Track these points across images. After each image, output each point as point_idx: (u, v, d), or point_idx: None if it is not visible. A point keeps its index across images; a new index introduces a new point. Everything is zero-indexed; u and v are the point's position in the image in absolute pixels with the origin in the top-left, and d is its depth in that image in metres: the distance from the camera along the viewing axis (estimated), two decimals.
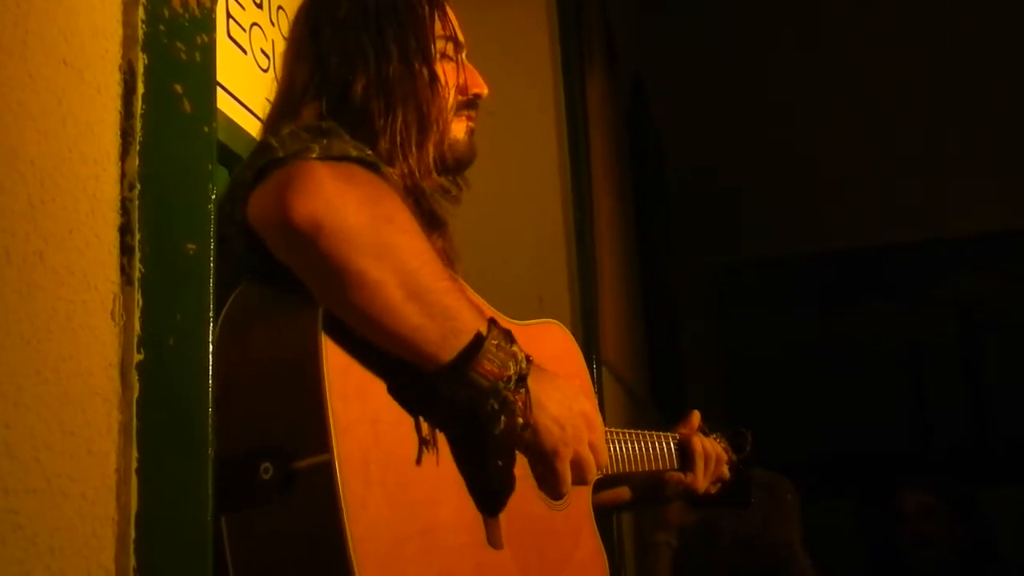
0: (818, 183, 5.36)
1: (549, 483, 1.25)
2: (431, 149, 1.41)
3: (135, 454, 0.88)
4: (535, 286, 2.75)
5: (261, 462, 1.04)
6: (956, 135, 5.21)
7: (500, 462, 1.25)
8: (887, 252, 5.55)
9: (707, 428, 1.93)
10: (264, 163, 1.13)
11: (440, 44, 1.48)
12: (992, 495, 4.01)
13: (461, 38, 1.52)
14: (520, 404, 1.17)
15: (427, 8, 1.47)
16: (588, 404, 1.28)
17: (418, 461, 1.14)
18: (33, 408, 0.80)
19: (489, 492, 1.25)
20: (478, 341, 1.13)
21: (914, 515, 3.51)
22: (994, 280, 5.41)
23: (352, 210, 1.07)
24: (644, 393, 4.14)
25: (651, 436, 1.76)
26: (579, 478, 1.26)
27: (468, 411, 1.18)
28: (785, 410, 1.92)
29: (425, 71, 1.43)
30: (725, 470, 1.89)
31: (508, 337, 1.18)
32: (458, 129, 1.49)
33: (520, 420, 1.18)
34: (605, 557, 1.55)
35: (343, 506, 1.01)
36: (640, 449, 1.70)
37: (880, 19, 5.33)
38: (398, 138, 1.38)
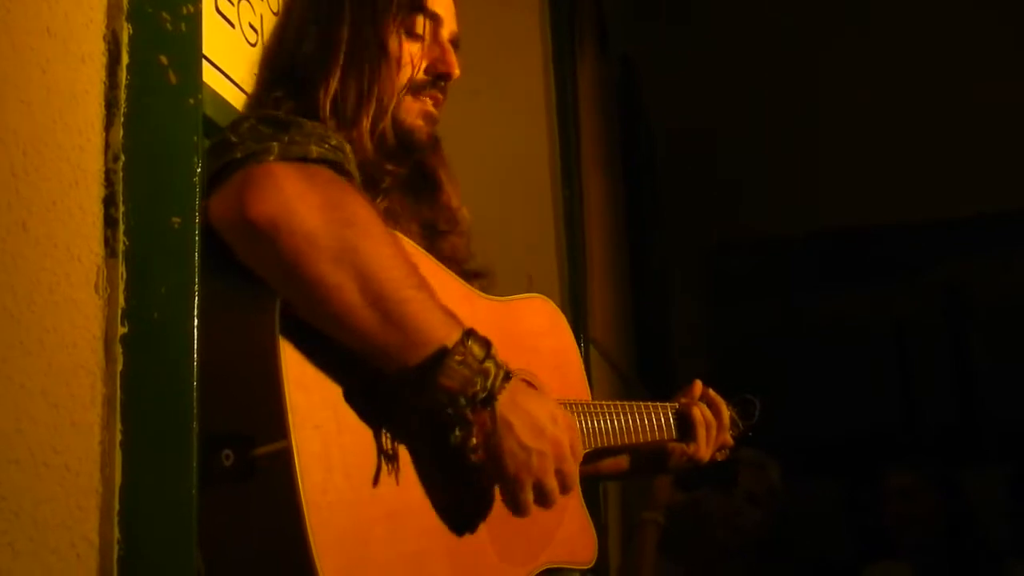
0: (809, 164, 5.36)
1: (507, 505, 1.22)
2: (365, 123, 1.35)
3: (119, 427, 0.87)
4: (525, 264, 2.74)
5: (223, 448, 1.04)
6: (946, 117, 5.21)
7: (463, 476, 1.22)
8: (875, 233, 5.55)
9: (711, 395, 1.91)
10: (221, 165, 1.11)
11: (409, 17, 1.41)
12: (977, 475, 4.04)
13: (442, 14, 1.46)
14: (477, 425, 1.14)
15: None
16: (564, 432, 1.22)
17: (377, 442, 1.13)
18: (16, 379, 0.79)
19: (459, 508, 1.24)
20: (439, 356, 1.10)
21: (897, 495, 3.54)
22: (981, 262, 5.42)
23: (311, 214, 1.06)
24: (633, 372, 4.15)
25: (647, 407, 1.74)
26: (541, 505, 1.22)
27: (426, 420, 1.16)
28: (772, 390, 1.94)
29: (374, 43, 1.37)
30: (728, 436, 1.85)
31: (484, 350, 1.13)
32: (410, 110, 1.42)
33: (473, 441, 1.14)
34: (593, 533, 1.55)
35: (301, 492, 1.01)
36: (634, 421, 1.68)
37: (871, 7, 5.32)
38: (330, 106, 1.33)
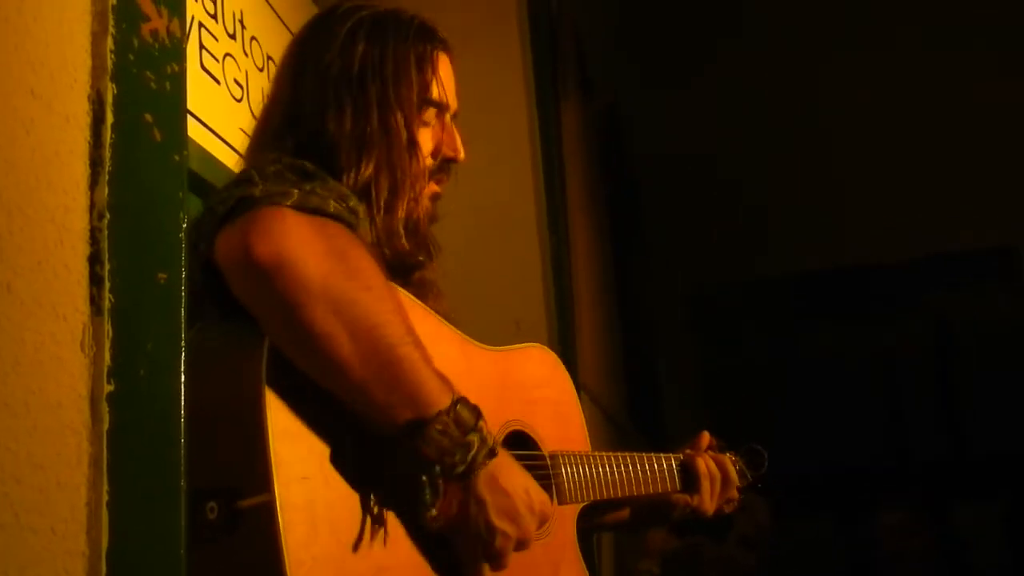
0: (794, 206, 5.41)
1: (463, 561, 1.21)
2: (401, 214, 1.37)
3: (106, 487, 0.86)
4: (512, 311, 2.75)
5: (207, 501, 1.03)
6: (934, 156, 5.27)
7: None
8: (863, 271, 5.60)
9: (722, 446, 1.90)
10: (236, 201, 1.12)
11: (423, 108, 1.43)
12: (968, 510, 4.03)
13: (450, 100, 1.48)
14: (446, 497, 1.13)
15: (416, 67, 1.43)
16: (535, 518, 1.21)
17: (365, 497, 1.12)
18: (1, 440, 0.78)
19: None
20: (420, 424, 1.10)
21: (891, 532, 3.53)
22: (969, 297, 5.46)
23: (315, 260, 1.06)
24: (624, 417, 4.13)
25: (650, 458, 1.73)
26: (491, 563, 1.21)
27: (404, 478, 1.15)
28: (763, 430, 1.94)
29: (404, 135, 1.39)
30: (735, 492, 1.84)
31: (472, 418, 1.13)
32: (425, 195, 1.44)
33: (433, 512, 1.13)
34: None
35: (284, 546, 1.00)
36: (636, 472, 1.67)
37: (862, 46, 5.39)
38: (367, 196, 1.34)
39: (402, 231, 1.37)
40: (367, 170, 1.35)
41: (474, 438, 1.13)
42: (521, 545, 1.21)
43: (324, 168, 1.32)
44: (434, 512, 1.13)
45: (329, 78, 1.39)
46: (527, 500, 1.20)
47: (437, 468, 1.11)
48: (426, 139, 1.45)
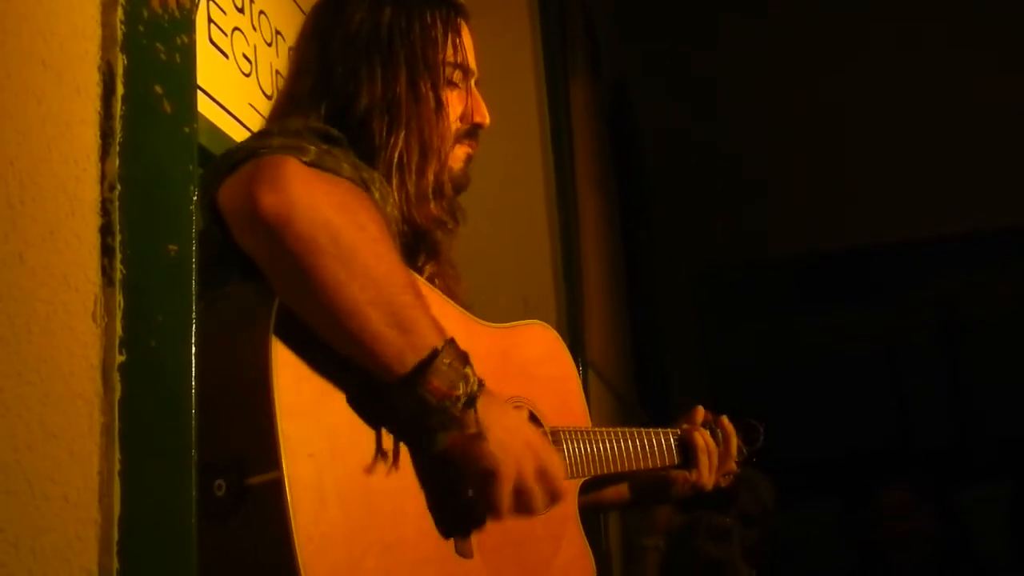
0: (800, 186, 5.39)
1: (483, 507, 1.22)
2: (431, 176, 1.39)
3: (118, 456, 0.87)
4: (520, 288, 2.75)
5: (215, 478, 1.03)
6: (936, 136, 5.24)
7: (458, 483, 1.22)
8: (867, 253, 5.58)
9: (715, 420, 1.91)
10: (253, 149, 1.12)
11: (449, 70, 1.45)
12: (971, 493, 4.03)
13: (472, 65, 1.50)
14: (463, 424, 1.16)
15: (442, 31, 1.45)
16: (536, 436, 1.25)
17: (372, 471, 1.13)
18: (14, 409, 0.79)
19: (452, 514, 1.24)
20: (431, 357, 1.12)
21: (892, 514, 3.53)
22: (973, 280, 5.44)
23: (323, 210, 1.07)
24: (630, 394, 4.14)
25: (648, 433, 1.74)
26: (524, 507, 1.22)
27: (413, 425, 1.16)
28: (767, 411, 1.94)
29: (432, 97, 1.41)
30: (733, 464, 1.86)
31: (462, 359, 1.16)
32: (456, 156, 1.47)
33: (472, 430, 1.16)
34: (591, 559, 1.53)
35: (292, 523, 1.01)
36: (634, 447, 1.68)
37: (864, 22, 5.36)
38: (396, 160, 1.36)
39: (431, 195, 1.39)
40: (399, 133, 1.36)
41: (469, 371, 1.16)
42: (541, 462, 1.22)
43: (355, 133, 1.34)
44: (474, 430, 1.16)
45: (359, 43, 1.40)
46: (518, 415, 1.27)
47: (447, 402, 1.13)
48: (455, 102, 1.46)
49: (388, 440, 1.16)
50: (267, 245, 1.07)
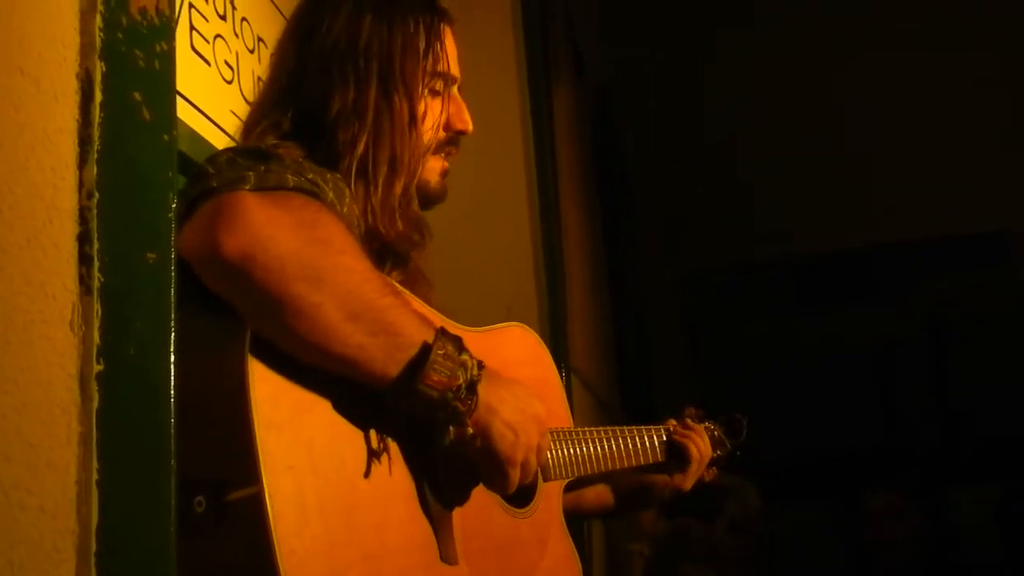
0: (787, 187, 5.41)
1: (497, 485, 1.26)
2: (398, 190, 1.38)
3: (95, 466, 0.86)
4: (504, 295, 2.75)
5: (195, 495, 1.03)
6: (928, 139, 5.27)
7: (453, 471, 1.24)
8: (857, 255, 5.60)
9: (701, 415, 1.92)
10: (196, 194, 1.11)
11: (429, 79, 1.43)
12: (960, 495, 4.05)
13: (455, 72, 1.48)
14: (470, 413, 1.17)
15: (424, 40, 1.43)
16: (540, 407, 1.28)
17: (353, 482, 1.13)
18: None
19: (446, 498, 1.26)
20: (424, 353, 1.12)
21: (879, 516, 3.54)
22: (963, 282, 5.47)
23: (284, 237, 1.06)
24: (614, 400, 4.14)
25: (631, 431, 1.75)
26: (523, 480, 1.26)
27: (419, 424, 1.17)
28: (755, 413, 1.95)
29: (406, 109, 1.39)
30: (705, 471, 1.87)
31: (457, 345, 1.17)
32: (432, 169, 1.45)
33: (470, 430, 1.18)
34: (577, 560, 1.54)
35: (274, 537, 1.00)
36: (619, 447, 1.69)
37: (852, 22, 5.39)
38: (361, 170, 1.34)
39: (398, 209, 1.38)
40: (367, 144, 1.35)
41: (466, 357, 1.17)
42: (543, 437, 1.26)
43: (322, 140, 1.33)
44: (471, 431, 1.18)
45: (336, 50, 1.39)
46: (523, 388, 1.27)
47: (449, 394, 1.14)
48: (435, 110, 1.44)
49: (377, 445, 1.16)
50: (237, 286, 1.06)
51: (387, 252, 1.37)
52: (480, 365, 1.19)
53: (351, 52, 1.39)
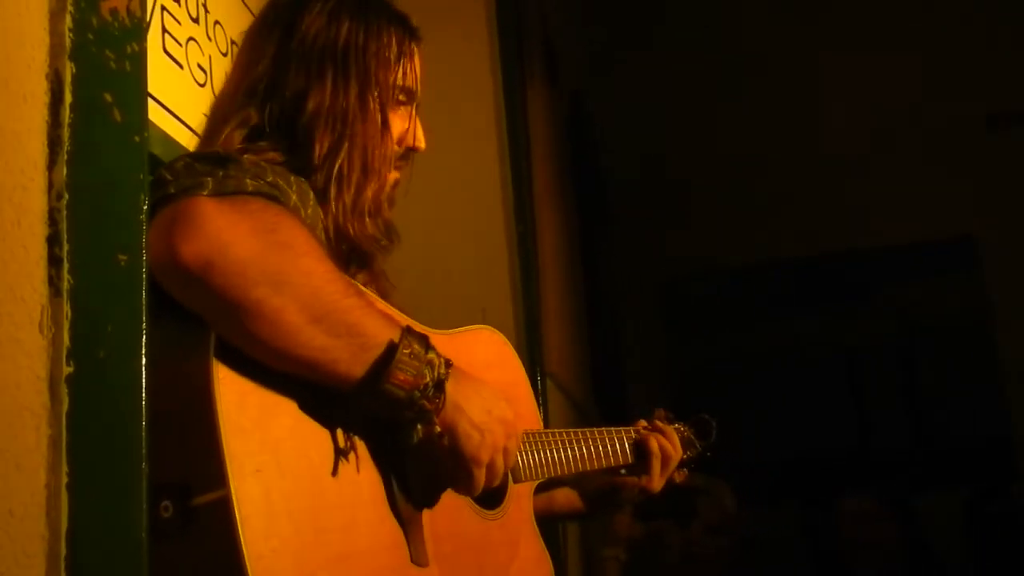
0: (759, 195, 5.45)
1: (463, 486, 1.25)
2: (369, 194, 1.38)
3: (65, 469, 0.86)
4: (478, 298, 2.75)
5: (161, 499, 1.02)
6: (895, 145, 5.32)
7: (421, 471, 1.24)
8: (825, 261, 5.65)
9: (670, 418, 1.92)
10: (154, 201, 1.09)
11: (396, 92, 1.45)
12: (929, 499, 4.08)
13: (417, 90, 1.50)
14: (437, 412, 1.17)
15: (396, 52, 1.45)
16: (508, 409, 1.28)
17: (321, 484, 1.12)
18: None
19: (416, 497, 1.25)
20: (390, 352, 1.12)
21: (852, 520, 3.57)
22: (930, 287, 5.53)
23: (243, 242, 1.05)
24: (589, 403, 4.15)
25: (600, 433, 1.75)
26: (489, 482, 1.26)
27: (386, 424, 1.17)
28: (727, 418, 1.95)
29: (379, 115, 1.41)
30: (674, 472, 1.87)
31: (423, 344, 1.16)
32: (389, 179, 1.47)
33: (438, 429, 1.18)
34: (549, 561, 1.54)
35: (242, 541, 0.99)
36: (587, 449, 1.69)
37: (821, 31, 5.44)
38: (336, 173, 1.35)
39: (367, 213, 1.38)
40: (342, 146, 1.36)
41: (432, 355, 1.17)
42: (509, 439, 1.26)
43: (295, 139, 1.33)
44: (438, 429, 1.18)
45: (314, 50, 1.40)
46: (490, 392, 1.26)
47: (416, 393, 1.14)
48: (396, 124, 1.46)
49: (345, 445, 1.16)
50: (198, 293, 1.05)
51: (353, 254, 1.38)
52: (448, 363, 1.19)
53: (330, 53, 1.39)
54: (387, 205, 1.46)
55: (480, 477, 1.23)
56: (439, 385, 1.16)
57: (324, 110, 1.36)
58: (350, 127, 1.37)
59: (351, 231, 1.35)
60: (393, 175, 1.48)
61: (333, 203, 1.34)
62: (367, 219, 1.38)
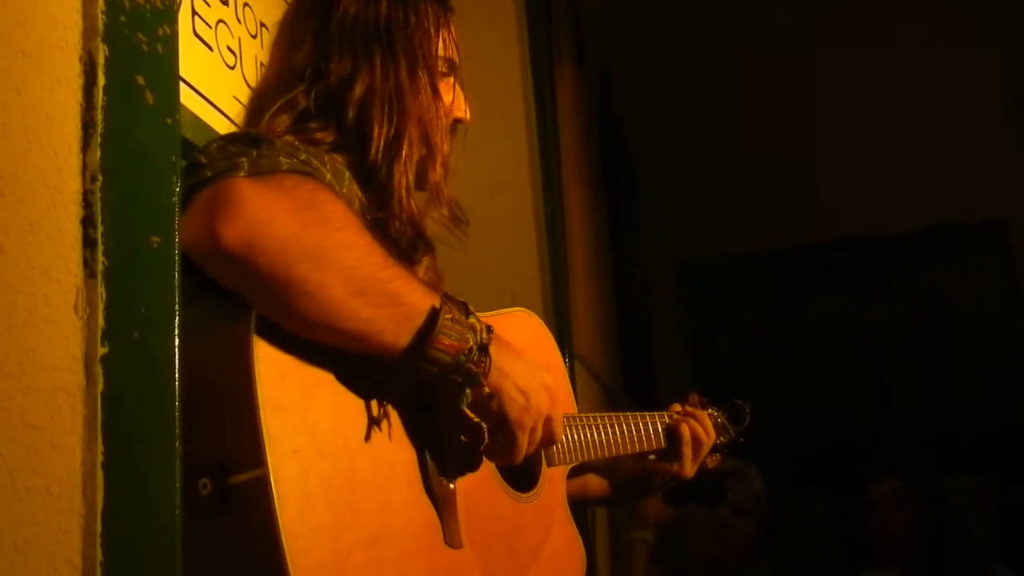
0: (783, 179, 5.40)
1: (507, 452, 1.26)
2: (439, 171, 1.39)
3: (100, 448, 0.87)
4: (507, 282, 2.75)
5: (199, 478, 1.03)
6: (914, 129, 5.26)
7: (456, 445, 1.25)
8: (850, 246, 5.59)
9: (704, 403, 1.92)
10: (191, 184, 1.10)
11: (440, 63, 1.45)
12: (954, 483, 4.05)
13: (458, 60, 1.49)
14: (484, 374, 1.18)
15: (434, 24, 1.45)
16: (549, 378, 1.28)
17: (357, 465, 1.13)
18: None
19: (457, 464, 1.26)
20: (432, 318, 1.13)
21: (882, 503, 3.54)
22: (954, 271, 5.47)
23: (282, 220, 1.05)
24: (617, 385, 4.15)
25: (634, 417, 1.75)
26: (545, 446, 1.28)
27: (435, 390, 1.18)
28: (753, 402, 1.95)
29: (430, 88, 1.40)
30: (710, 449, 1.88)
31: (464, 310, 1.18)
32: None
33: (486, 390, 1.19)
34: (581, 545, 1.54)
35: (279, 520, 1.00)
36: (621, 432, 1.69)
37: (836, 22, 5.38)
38: (399, 153, 1.34)
39: (435, 195, 1.39)
40: (402, 124, 1.36)
41: (474, 320, 1.18)
42: (555, 406, 1.27)
43: (346, 121, 1.33)
44: (487, 390, 1.19)
45: (356, 30, 1.39)
46: (531, 357, 1.27)
47: (462, 356, 1.15)
48: (445, 96, 1.45)
49: (382, 424, 1.17)
50: (241, 274, 1.06)
51: (418, 238, 1.37)
52: (489, 328, 1.20)
53: (373, 33, 1.39)
54: (447, 179, 1.45)
55: (523, 441, 1.24)
56: (483, 348, 1.18)
57: (376, 90, 1.36)
58: (405, 104, 1.37)
59: (414, 210, 1.35)
60: (448, 147, 1.47)
61: (395, 186, 1.33)
62: (435, 202, 1.39)
